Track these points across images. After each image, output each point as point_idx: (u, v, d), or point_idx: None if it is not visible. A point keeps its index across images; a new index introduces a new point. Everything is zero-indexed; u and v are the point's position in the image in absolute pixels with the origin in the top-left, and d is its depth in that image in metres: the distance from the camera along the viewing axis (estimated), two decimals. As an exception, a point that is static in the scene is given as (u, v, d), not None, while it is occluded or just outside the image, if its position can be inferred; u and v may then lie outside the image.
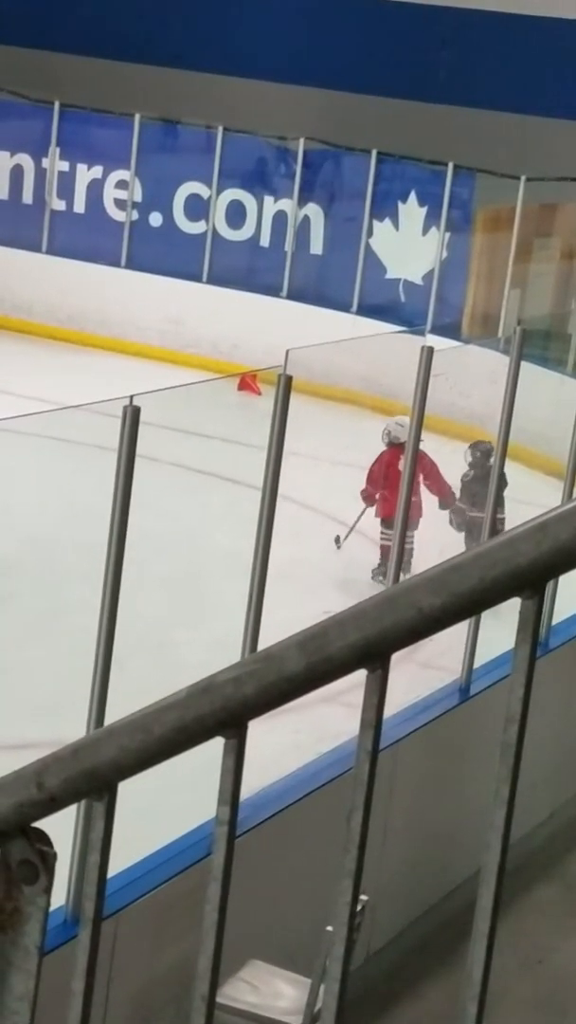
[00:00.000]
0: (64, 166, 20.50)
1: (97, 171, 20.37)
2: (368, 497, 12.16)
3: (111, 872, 1.61)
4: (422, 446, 8.74)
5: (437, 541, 11.18)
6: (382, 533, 11.91)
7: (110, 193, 20.35)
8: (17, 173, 20.89)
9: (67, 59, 20.79)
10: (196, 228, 19.84)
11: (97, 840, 1.56)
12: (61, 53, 20.82)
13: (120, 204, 20.26)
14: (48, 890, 1.58)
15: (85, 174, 20.44)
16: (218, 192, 19.64)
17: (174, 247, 19.81)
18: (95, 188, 20.40)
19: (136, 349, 19.25)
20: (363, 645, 1.50)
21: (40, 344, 19.48)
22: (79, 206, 20.52)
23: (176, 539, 12.08)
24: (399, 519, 7.78)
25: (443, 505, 12.02)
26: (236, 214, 19.70)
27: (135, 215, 20.16)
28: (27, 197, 20.79)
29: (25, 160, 20.82)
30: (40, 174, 20.66)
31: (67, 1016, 1.55)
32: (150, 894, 5.89)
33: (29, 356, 18.69)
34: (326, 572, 11.89)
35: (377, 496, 12.02)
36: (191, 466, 14.66)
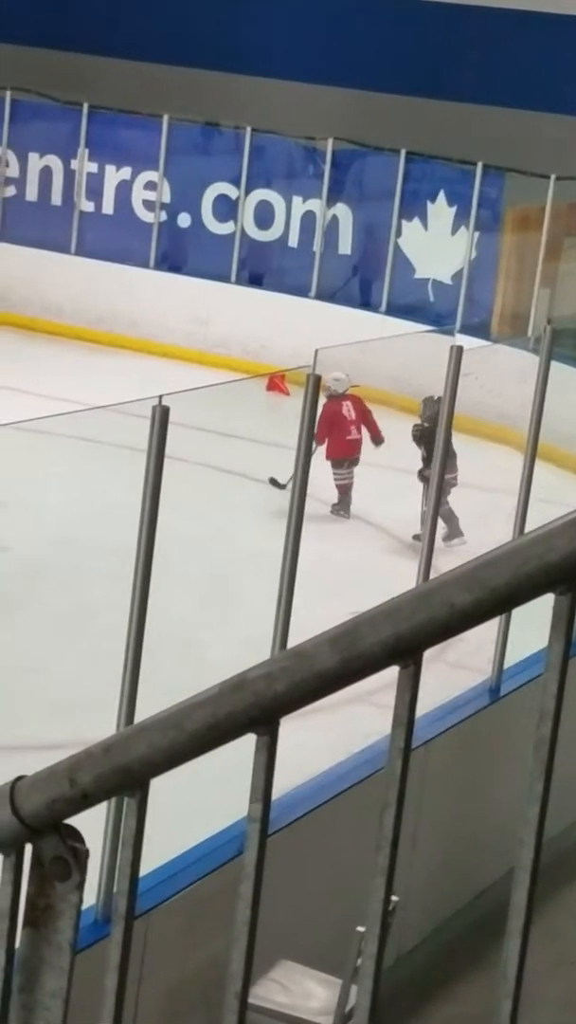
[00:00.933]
0: (93, 167, 20.55)
1: (126, 172, 20.40)
2: (318, 440, 12.65)
3: (141, 872, 1.61)
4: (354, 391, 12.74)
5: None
6: (334, 473, 13.75)
7: (139, 194, 20.38)
8: (46, 175, 20.95)
9: (96, 61, 20.83)
10: (225, 229, 19.85)
11: (129, 836, 1.56)
12: (90, 55, 20.86)
13: (149, 205, 20.29)
14: (81, 887, 1.58)
15: (114, 175, 20.48)
16: (246, 192, 19.65)
17: (203, 248, 19.83)
18: (124, 189, 20.44)
19: (164, 350, 19.27)
20: (395, 641, 1.49)
21: (69, 345, 19.52)
22: (108, 207, 20.56)
23: (204, 539, 12.10)
24: (433, 491, 7.73)
25: (376, 443, 14.01)
26: (264, 214, 19.70)
27: (164, 216, 20.18)
28: (56, 199, 20.85)
29: (54, 162, 20.87)
30: (69, 176, 20.70)
31: (99, 1014, 1.55)
32: (180, 894, 5.89)
33: (58, 357, 18.73)
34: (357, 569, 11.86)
35: (325, 442, 13.61)
36: (220, 466, 14.67)
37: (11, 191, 21.11)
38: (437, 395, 11.65)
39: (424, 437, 12.83)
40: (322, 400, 13.02)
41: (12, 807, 1.56)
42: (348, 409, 14.20)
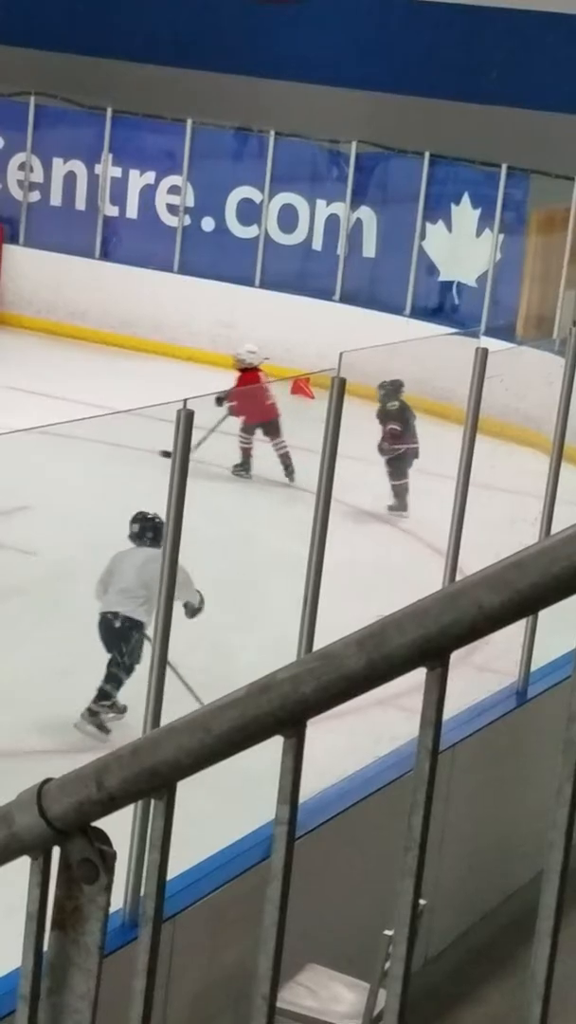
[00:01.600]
0: (117, 172, 20.59)
1: (149, 177, 20.44)
2: (235, 411, 14.58)
3: (168, 875, 1.61)
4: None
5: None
6: (242, 437, 14.75)
7: (162, 198, 20.41)
8: (70, 180, 20.99)
9: (119, 65, 20.87)
10: (248, 232, 19.86)
11: (157, 839, 1.56)
12: (113, 59, 20.90)
13: (172, 209, 20.32)
14: (108, 889, 1.58)
15: (137, 180, 20.51)
16: (270, 196, 19.66)
17: (226, 251, 19.84)
18: (147, 194, 20.47)
19: (188, 354, 19.29)
20: (422, 643, 1.49)
21: (93, 349, 19.55)
22: (132, 212, 20.60)
23: (229, 541, 12.10)
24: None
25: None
26: (288, 218, 19.71)
27: (187, 220, 20.20)
28: (80, 203, 20.89)
29: (78, 167, 20.92)
30: (93, 180, 20.75)
31: (128, 1016, 1.55)
32: (207, 898, 5.89)
33: (83, 361, 18.77)
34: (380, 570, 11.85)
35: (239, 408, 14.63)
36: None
37: (35, 196, 21.17)
38: (391, 378, 14.07)
39: (388, 417, 13.97)
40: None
41: (40, 810, 1.56)
42: (264, 378, 15.54)
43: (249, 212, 19.84)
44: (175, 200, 20.26)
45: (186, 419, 5.60)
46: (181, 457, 5.61)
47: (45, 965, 1.58)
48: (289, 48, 20.40)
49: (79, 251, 20.52)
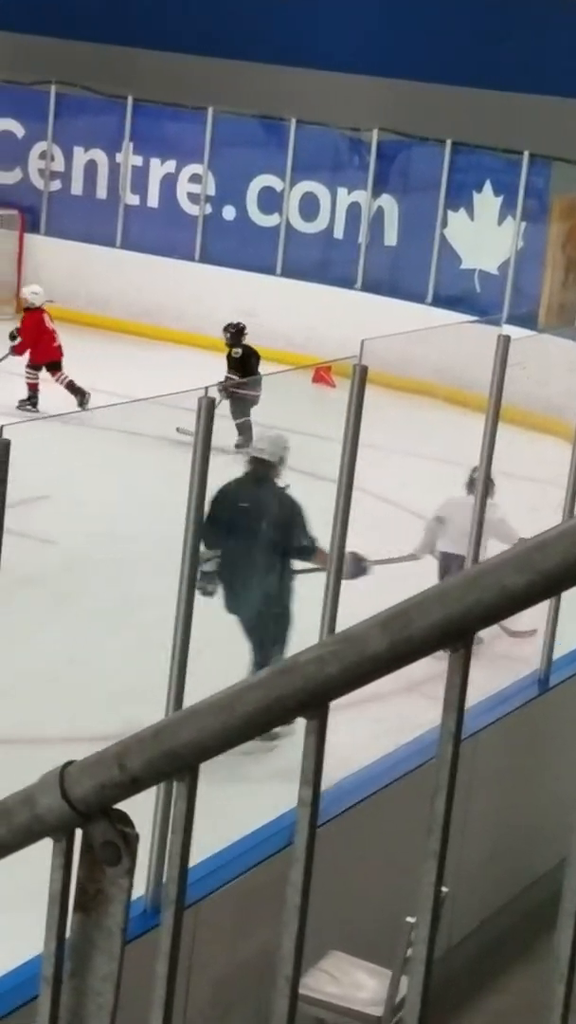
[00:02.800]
0: (138, 161, 20.59)
1: (171, 165, 20.44)
2: (19, 349, 16.28)
3: (191, 862, 1.60)
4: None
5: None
6: (28, 373, 16.29)
7: (184, 187, 20.41)
8: (91, 168, 21.00)
9: (140, 53, 20.86)
10: (270, 221, 19.85)
11: (180, 821, 1.55)
12: (134, 48, 20.89)
13: (194, 198, 20.31)
14: (131, 872, 1.58)
15: (159, 168, 20.51)
16: (291, 184, 19.63)
17: (248, 240, 19.83)
18: (169, 182, 20.46)
19: (210, 342, 19.26)
20: (445, 624, 1.48)
21: (114, 338, 19.56)
22: (153, 200, 20.60)
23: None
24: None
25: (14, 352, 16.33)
26: (310, 206, 19.68)
27: (208, 209, 20.20)
28: (101, 192, 20.91)
29: (99, 155, 20.93)
30: (114, 169, 20.75)
31: (151, 1000, 1.55)
32: (228, 885, 5.89)
33: (103, 350, 18.77)
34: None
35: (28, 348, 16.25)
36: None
37: (56, 185, 21.19)
38: (235, 320, 15.94)
39: (230, 365, 15.67)
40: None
41: (62, 791, 1.56)
42: (48, 320, 16.52)
43: (270, 200, 19.82)
44: (196, 189, 20.25)
45: (207, 407, 5.59)
46: (202, 444, 5.61)
47: (68, 948, 1.58)
48: (310, 35, 20.35)
49: (100, 240, 20.53)
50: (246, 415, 14.73)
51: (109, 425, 13.43)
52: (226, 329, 16.06)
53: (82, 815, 1.57)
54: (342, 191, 19.56)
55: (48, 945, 1.57)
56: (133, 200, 20.69)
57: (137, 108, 20.38)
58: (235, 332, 15.94)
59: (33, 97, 20.97)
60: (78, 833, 1.60)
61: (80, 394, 15.91)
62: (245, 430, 14.52)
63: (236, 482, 8.94)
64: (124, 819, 1.59)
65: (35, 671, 8.86)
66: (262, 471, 9.03)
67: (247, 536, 9.00)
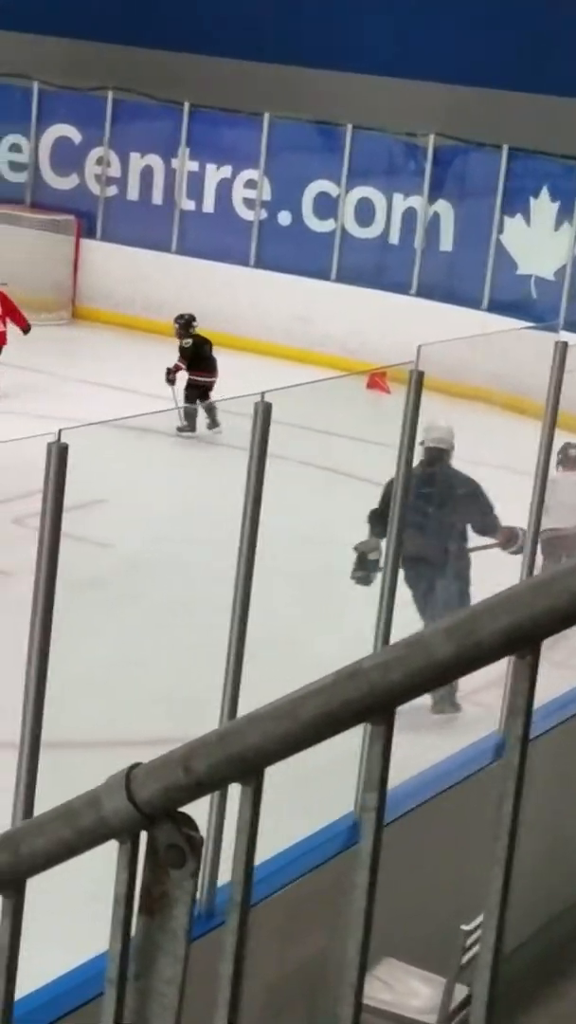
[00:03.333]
0: (194, 166, 20.65)
1: (226, 171, 20.48)
2: None
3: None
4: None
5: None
6: None
7: (239, 192, 20.44)
8: (147, 174, 21.08)
9: (196, 59, 20.92)
10: (325, 226, 19.85)
11: (244, 825, 1.56)
12: (190, 53, 20.95)
13: (249, 203, 20.34)
14: (195, 875, 1.58)
15: (214, 174, 20.56)
16: (347, 190, 19.63)
17: (303, 245, 19.84)
18: (224, 188, 20.51)
19: (264, 348, 19.30)
20: (513, 631, 1.47)
21: (169, 343, 19.60)
22: (208, 206, 20.65)
23: (305, 536, 12.09)
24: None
25: (25, 331, 16.81)
26: (365, 212, 19.67)
27: (264, 214, 20.22)
28: (157, 198, 20.98)
29: (155, 161, 21.00)
30: (170, 175, 20.82)
31: (215, 1002, 1.55)
32: (282, 890, 5.89)
33: (158, 355, 18.83)
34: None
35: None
36: (320, 464, 14.67)
37: (113, 191, 21.28)
38: (186, 313, 16.67)
39: (181, 354, 16.18)
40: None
41: (128, 794, 1.57)
42: None
43: (326, 206, 19.83)
44: (252, 194, 20.29)
45: (264, 412, 5.60)
46: (259, 450, 5.62)
47: (132, 949, 1.59)
48: (367, 40, 20.35)
49: (155, 245, 20.60)
50: (207, 398, 15.68)
51: (165, 430, 13.48)
52: (176, 320, 16.73)
53: (147, 817, 1.57)
54: (398, 196, 19.53)
55: (113, 946, 1.58)
56: (189, 205, 20.75)
57: (193, 113, 20.44)
58: (183, 324, 16.53)
59: (90, 103, 21.07)
60: (143, 836, 1.60)
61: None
62: (212, 410, 15.36)
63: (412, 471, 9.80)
64: (189, 822, 1.60)
65: (91, 675, 8.90)
66: (437, 457, 9.78)
67: (432, 518, 9.75)
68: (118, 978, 1.56)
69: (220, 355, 19.20)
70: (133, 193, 21.15)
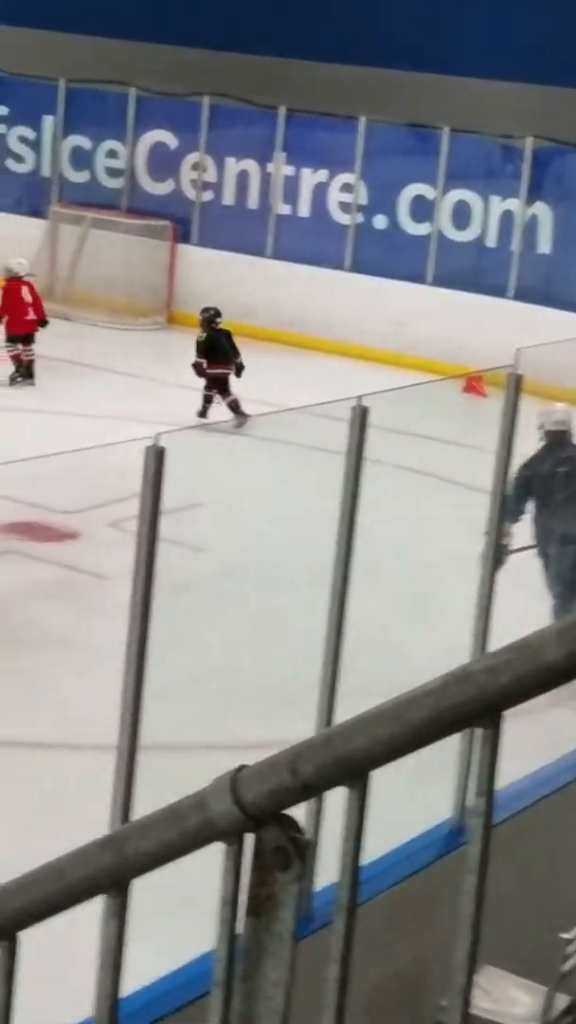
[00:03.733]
0: (289, 170, 20.67)
1: (322, 175, 20.48)
2: None
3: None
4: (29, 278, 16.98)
5: None
6: (7, 347, 16.81)
7: (335, 196, 20.43)
8: (243, 179, 21.14)
9: (292, 64, 20.95)
10: (421, 229, 19.79)
11: (352, 828, 1.55)
12: (286, 58, 20.99)
13: (345, 207, 20.33)
14: (301, 877, 1.58)
15: (310, 178, 20.57)
16: (444, 193, 19.56)
17: (399, 249, 19.79)
18: (320, 192, 20.51)
19: (359, 352, 19.27)
20: (627, 634, 1.45)
21: (264, 348, 19.65)
22: (304, 210, 20.66)
23: (401, 541, 12.06)
24: None
25: (42, 324, 17.05)
26: (462, 214, 19.59)
27: (360, 218, 20.20)
28: (253, 202, 21.02)
29: (251, 165, 21.05)
30: (265, 179, 20.86)
31: (321, 1004, 1.55)
32: (382, 895, 5.88)
33: (254, 360, 18.87)
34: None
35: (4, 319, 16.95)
36: (416, 468, 14.62)
37: (208, 196, 21.36)
38: (212, 306, 16.51)
39: (196, 349, 16.19)
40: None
41: (234, 796, 1.57)
42: (26, 292, 16.97)
43: (422, 209, 19.77)
44: (348, 198, 20.27)
45: (361, 416, 5.59)
46: (356, 454, 5.61)
47: (239, 951, 1.58)
48: (463, 43, 20.28)
49: (251, 250, 20.64)
50: (229, 394, 15.85)
51: (260, 434, 13.51)
52: (201, 313, 16.66)
53: (254, 820, 1.57)
54: (495, 199, 19.43)
55: (220, 948, 1.58)
56: (284, 210, 20.77)
57: (289, 118, 20.46)
58: (207, 318, 16.49)
59: (186, 108, 21.17)
60: (248, 838, 1.60)
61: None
62: (235, 407, 15.61)
63: (537, 455, 10.33)
64: (295, 825, 1.59)
65: (188, 678, 8.93)
66: (560, 438, 10.48)
67: (564, 493, 10.25)
68: (225, 980, 1.56)
69: (316, 360, 19.22)
70: (229, 198, 21.22)
